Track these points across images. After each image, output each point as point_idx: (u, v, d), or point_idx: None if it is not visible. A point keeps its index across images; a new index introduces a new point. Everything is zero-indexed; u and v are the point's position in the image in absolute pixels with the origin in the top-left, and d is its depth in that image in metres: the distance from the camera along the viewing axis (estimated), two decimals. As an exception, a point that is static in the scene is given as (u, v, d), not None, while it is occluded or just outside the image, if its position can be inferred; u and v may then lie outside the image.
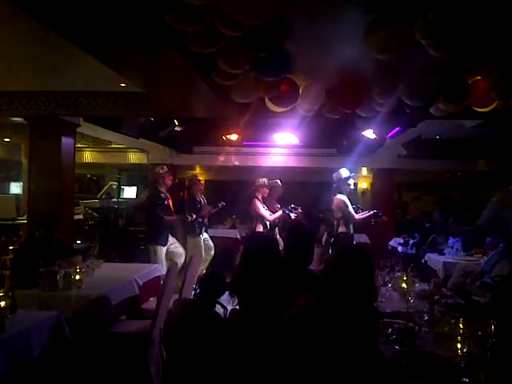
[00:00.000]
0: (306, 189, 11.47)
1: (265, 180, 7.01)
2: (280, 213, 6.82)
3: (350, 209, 5.93)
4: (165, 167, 6.83)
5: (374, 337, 2.18)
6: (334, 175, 6.11)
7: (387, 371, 2.02)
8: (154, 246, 6.37)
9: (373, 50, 3.20)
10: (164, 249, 6.40)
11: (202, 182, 7.65)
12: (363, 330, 2.05)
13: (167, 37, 3.09)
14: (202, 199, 7.50)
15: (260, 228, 6.77)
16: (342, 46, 3.73)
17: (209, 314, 3.02)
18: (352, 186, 6.23)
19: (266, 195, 6.97)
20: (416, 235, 8.15)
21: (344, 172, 6.07)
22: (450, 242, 6.72)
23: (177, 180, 11.27)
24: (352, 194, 6.64)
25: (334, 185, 6.12)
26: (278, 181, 7.34)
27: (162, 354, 4.03)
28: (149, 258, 6.38)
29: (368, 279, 2.15)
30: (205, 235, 7.37)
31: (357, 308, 2.06)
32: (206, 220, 7.36)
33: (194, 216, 6.98)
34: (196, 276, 4.83)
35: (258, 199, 6.84)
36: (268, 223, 6.82)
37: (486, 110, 4.48)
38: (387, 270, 3.70)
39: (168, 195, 6.66)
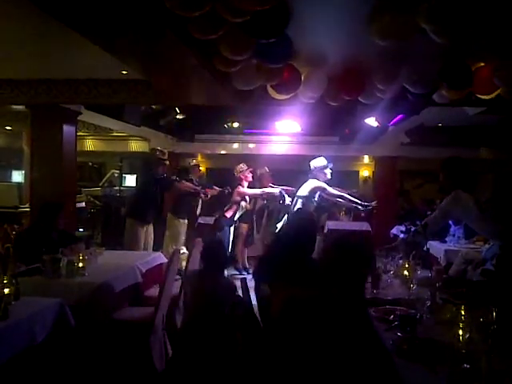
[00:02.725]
0: (307, 177, 11.45)
1: (243, 165, 7.01)
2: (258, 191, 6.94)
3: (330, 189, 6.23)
4: (166, 152, 6.80)
5: (369, 325, 2.19)
6: (311, 163, 6.30)
7: (388, 358, 2.03)
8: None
9: (376, 36, 3.17)
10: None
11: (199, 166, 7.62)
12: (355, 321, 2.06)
13: (168, 23, 3.07)
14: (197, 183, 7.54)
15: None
16: (345, 32, 3.70)
17: (220, 282, 3.07)
18: (329, 176, 6.37)
19: (250, 180, 6.98)
20: (418, 223, 8.13)
21: (321, 161, 6.28)
22: (451, 229, 6.72)
23: (178, 168, 11.28)
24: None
25: (311, 172, 6.30)
26: (266, 168, 7.36)
27: (165, 340, 4.07)
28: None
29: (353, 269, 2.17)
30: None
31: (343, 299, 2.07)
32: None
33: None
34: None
35: (241, 188, 6.91)
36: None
37: (489, 97, 4.45)
38: (389, 257, 3.71)
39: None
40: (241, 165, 7.02)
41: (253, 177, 7.05)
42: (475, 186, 3.78)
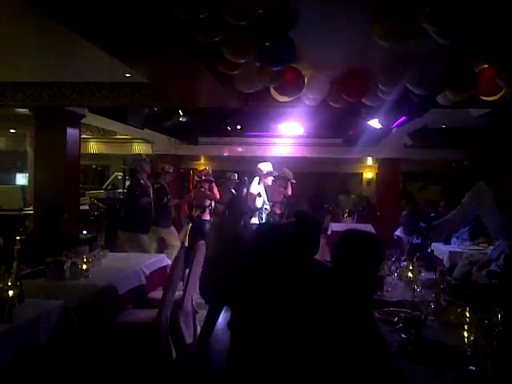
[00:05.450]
0: (310, 179, 11.46)
1: (207, 168, 7.51)
2: None
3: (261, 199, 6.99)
4: (144, 155, 6.93)
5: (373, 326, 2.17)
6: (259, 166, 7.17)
7: (392, 360, 2.03)
8: (135, 233, 6.38)
9: (379, 37, 3.17)
10: (145, 237, 6.46)
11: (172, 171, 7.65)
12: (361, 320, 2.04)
13: (172, 26, 3.08)
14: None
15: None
16: (348, 34, 3.70)
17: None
18: (269, 182, 7.25)
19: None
20: (422, 225, 8.14)
21: (264, 166, 7.14)
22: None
23: (181, 170, 11.31)
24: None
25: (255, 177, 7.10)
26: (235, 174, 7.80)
27: (169, 343, 4.06)
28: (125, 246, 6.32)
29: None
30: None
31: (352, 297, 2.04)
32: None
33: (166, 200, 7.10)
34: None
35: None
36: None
37: (493, 98, 4.45)
38: (393, 259, 3.70)
39: (148, 183, 6.70)
40: (207, 168, 7.51)
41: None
42: (500, 181, 3.72)
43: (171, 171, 7.49)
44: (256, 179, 7.07)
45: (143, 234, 6.43)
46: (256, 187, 7.01)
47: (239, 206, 4.45)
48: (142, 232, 6.42)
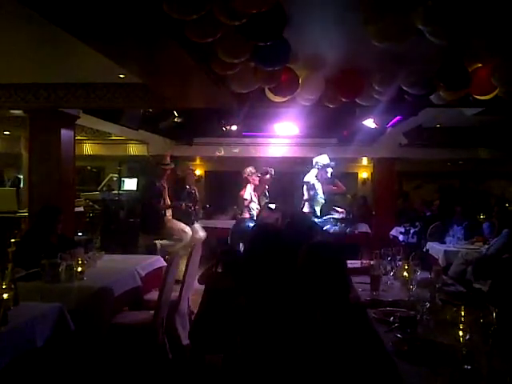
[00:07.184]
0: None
1: (251, 169, 7.18)
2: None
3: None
4: (168, 158, 6.88)
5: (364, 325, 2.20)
6: (315, 159, 7.06)
7: (388, 360, 2.03)
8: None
9: (373, 38, 3.17)
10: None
11: (195, 173, 7.65)
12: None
13: (165, 26, 3.07)
14: (194, 190, 7.49)
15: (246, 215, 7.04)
16: (342, 34, 3.70)
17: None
18: (329, 175, 7.11)
19: (257, 183, 7.12)
20: (417, 224, 8.18)
21: (323, 159, 7.05)
22: (451, 230, 6.74)
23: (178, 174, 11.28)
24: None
25: (313, 169, 7.00)
26: (272, 170, 7.43)
27: (165, 344, 4.06)
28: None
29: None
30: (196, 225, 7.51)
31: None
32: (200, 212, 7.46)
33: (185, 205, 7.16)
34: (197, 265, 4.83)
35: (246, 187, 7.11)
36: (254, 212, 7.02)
37: (487, 97, 4.46)
38: (389, 259, 3.71)
39: (164, 185, 6.76)
40: (250, 168, 7.16)
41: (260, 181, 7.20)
42: None
43: (192, 168, 7.53)
44: (313, 171, 7.04)
45: None
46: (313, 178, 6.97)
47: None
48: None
